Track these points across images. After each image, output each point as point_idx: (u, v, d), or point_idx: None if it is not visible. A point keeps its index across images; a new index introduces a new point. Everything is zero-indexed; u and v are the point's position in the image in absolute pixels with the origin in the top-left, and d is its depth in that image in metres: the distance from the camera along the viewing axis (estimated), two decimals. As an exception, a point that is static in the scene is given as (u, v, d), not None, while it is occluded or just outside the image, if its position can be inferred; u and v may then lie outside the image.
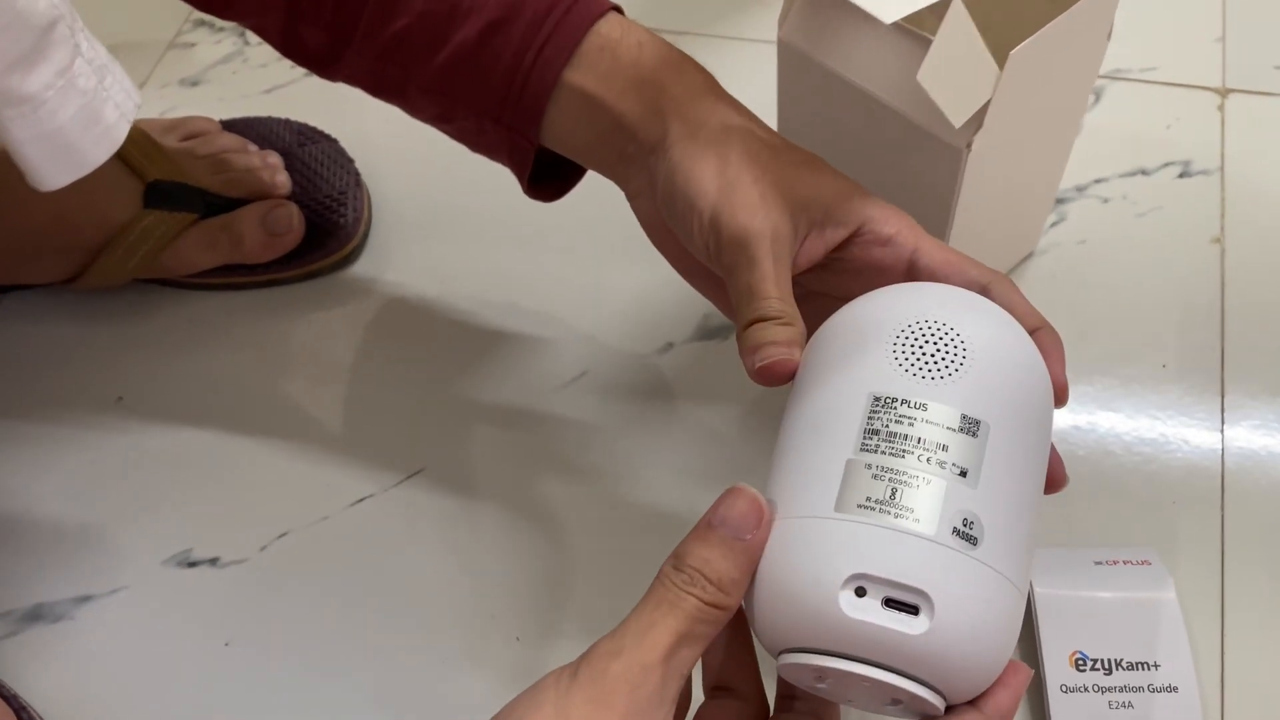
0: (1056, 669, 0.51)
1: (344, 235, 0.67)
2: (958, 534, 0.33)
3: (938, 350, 0.36)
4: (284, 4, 0.49)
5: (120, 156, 0.64)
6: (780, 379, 0.40)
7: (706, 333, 0.64)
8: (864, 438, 0.35)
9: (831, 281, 0.46)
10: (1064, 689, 0.51)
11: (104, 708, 0.54)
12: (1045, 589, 0.53)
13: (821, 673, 0.35)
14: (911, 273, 0.44)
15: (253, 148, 0.68)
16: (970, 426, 0.35)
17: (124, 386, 0.64)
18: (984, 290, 0.42)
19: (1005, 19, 0.53)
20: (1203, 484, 0.58)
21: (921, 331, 0.36)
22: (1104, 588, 0.53)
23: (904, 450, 0.34)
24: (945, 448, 0.34)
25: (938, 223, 0.53)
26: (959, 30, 0.45)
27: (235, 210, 0.66)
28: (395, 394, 0.63)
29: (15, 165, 0.46)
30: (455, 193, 0.70)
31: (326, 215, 0.68)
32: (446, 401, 0.63)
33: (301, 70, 0.77)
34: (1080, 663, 0.51)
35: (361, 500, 0.60)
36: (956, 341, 0.36)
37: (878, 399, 0.35)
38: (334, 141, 0.71)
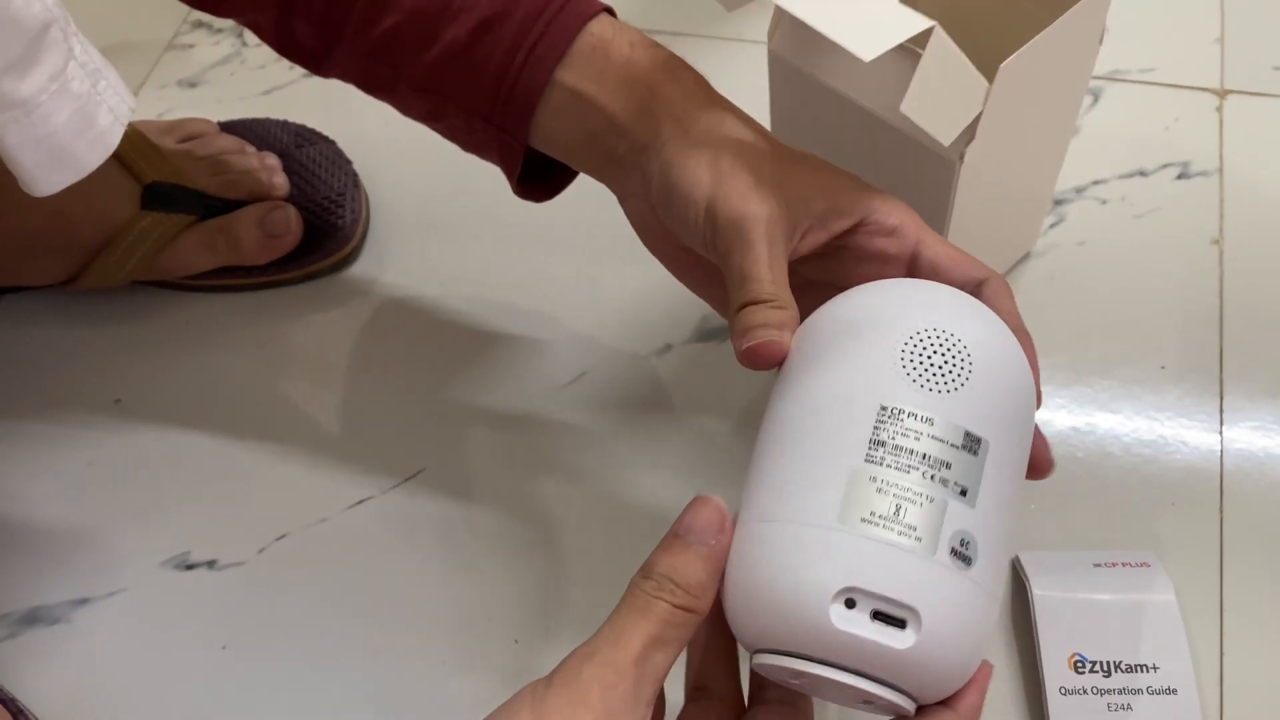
0: (1055, 671, 0.51)
1: (342, 237, 0.67)
2: (955, 554, 0.34)
3: (945, 362, 0.36)
4: (276, 1, 0.49)
5: (118, 158, 0.64)
6: (769, 363, 0.40)
7: (705, 334, 0.64)
8: (869, 448, 0.35)
9: (834, 270, 0.45)
10: (1063, 691, 0.51)
11: (102, 710, 0.54)
12: (1044, 591, 0.53)
13: (800, 675, 0.35)
14: (914, 264, 0.44)
15: (251, 149, 0.68)
16: (972, 444, 0.35)
17: (122, 388, 0.64)
18: (979, 288, 0.42)
19: (995, 23, 0.53)
20: (1201, 485, 0.58)
21: (930, 341, 0.36)
22: (1103, 590, 0.53)
23: (909, 466, 0.34)
24: (948, 465, 0.35)
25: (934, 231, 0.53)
26: (942, 57, 0.44)
27: (233, 212, 0.66)
28: (394, 396, 0.63)
29: (10, 169, 0.46)
30: (454, 194, 0.70)
31: (325, 217, 0.67)
32: (445, 403, 0.63)
33: (299, 72, 0.77)
34: (1079, 665, 0.51)
35: (360, 502, 0.60)
36: (964, 353, 0.36)
37: (884, 408, 0.35)
38: (332, 143, 0.71)
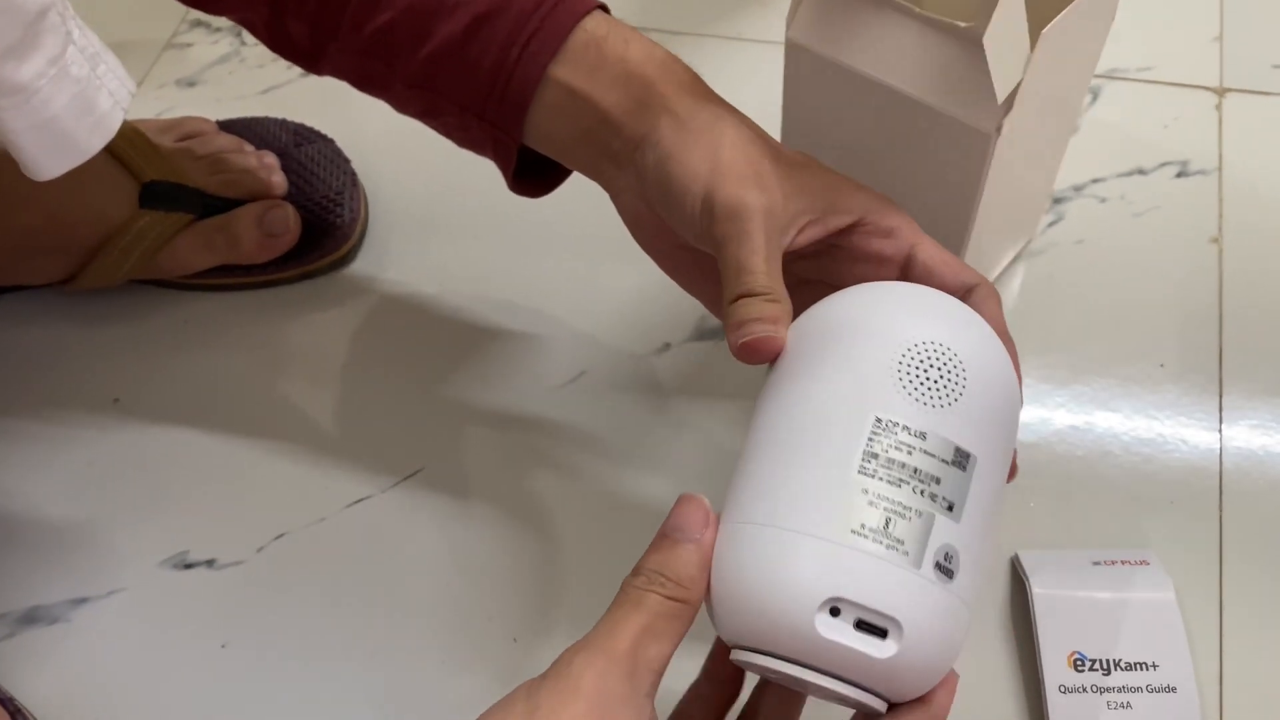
0: (1055, 669, 0.51)
1: (341, 235, 0.67)
2: (939, 568, 0.35)
3: (941, 376, 0.36)
4: None
5: (116, 157, 0.64)
6: (763, 357, 0.40)
7: (704, 333, 0.64)
8: (863, 460, 0.35)
9: (829, 269, 0.46)
10: (1062, 689, 0.51)
11: (101, 710, 0.54)
12: (1043, 589, 0.53)
13: (778, 673, 0.36)
14: (908, 267, 0.44)
15: (249, 148, 0.68)
16: (961, 460, 0.36)
17: (120, 388, 0.64)
18: (968, 293, 0.43)
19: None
20: (1201, 484, 0.58)
21: (927, 354, 0.36)
22: (1102, 588, 0.53)
23: (901, 480, 0.35)
24: (938, 480, 0.35)
25: (960, 212, 0.53)
26: (1012, 10, 0.44)
27: (232, 211, 0.66)
28: (393, 394, 0.63)
29: (9, 166, 0.46)
30: (453, 192, 0.70)
31: (323, 215, 0.67)
32: (444, 402, 0.63)
33: (298, 71, 0.77)
34: (1079, 663, 0.51)
35: (359, 501, 0.60)
36: (959, 368, 0.36)
37: (879, 420, 0.36)
38: (330, 142, 0.71)
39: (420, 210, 0.70)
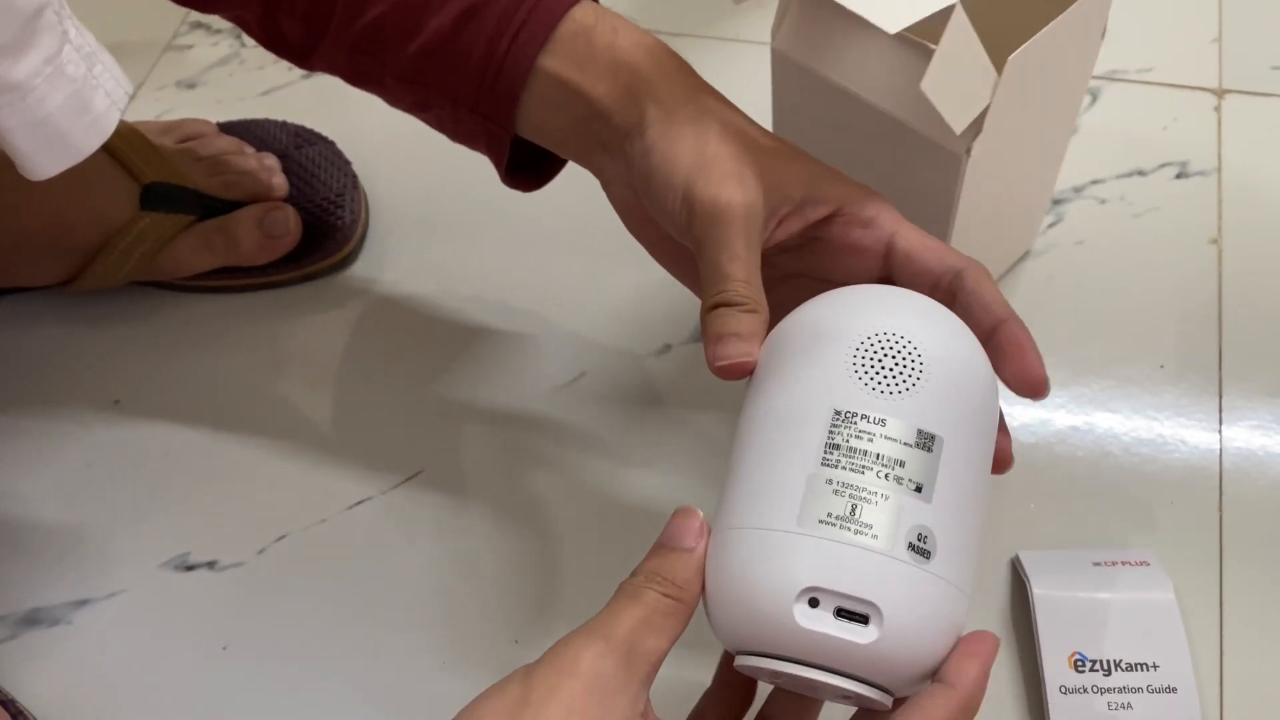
0: (1055, 670, 0.51)
1: (341, 237, 0.67)
2: (912, 549, 0.35)
3: (896, 364, 0.37)
4: None
5: (117, 158, 0.64)
6: (738, 377, 0.40)
7: (704, 334, 0.64)
8: (825, 452, 0.36)
9: (810, 262, 0.46)
10: (1063, 690, 0.51)
11: (101, 712, 0.54)
12: (1044, 590, 0.53)
13: (778, 675, 0.36)
14: (889, 256, 0.44)
15: (250, 150, 0.68)
16: (926, 441, 0.36)
17: (121, 389, 0.64)
18: (957, 277, 0.42)
19: (999, 20, 0.53)
20: (1201, 484, 0.58)
21: (880, 345, 0.37)
22: (1103, 589, 0.53)
23: (863, 466, 0.36)
24: (902, 463, 0.36)
25: (938, 228, 0.53)
26: (961, 37, 0.45)
27: (232, 212, 0.66)
28: (393, 396, 0.63)
29: (9, 168, 0.46)
30: (453, 194, 0.70)
31: (324, 217, 0.67)
32: (444, 403, 0.63)
33: (298, 72, 0.77)
34: (1079, 664, 0.51)
35: (360, 503, 0.60)
36: (914, 355, 0.37)
37: (838, 413, 0.36)
38: (331, 143, 0.71)
39: (421, 212, 0.70)
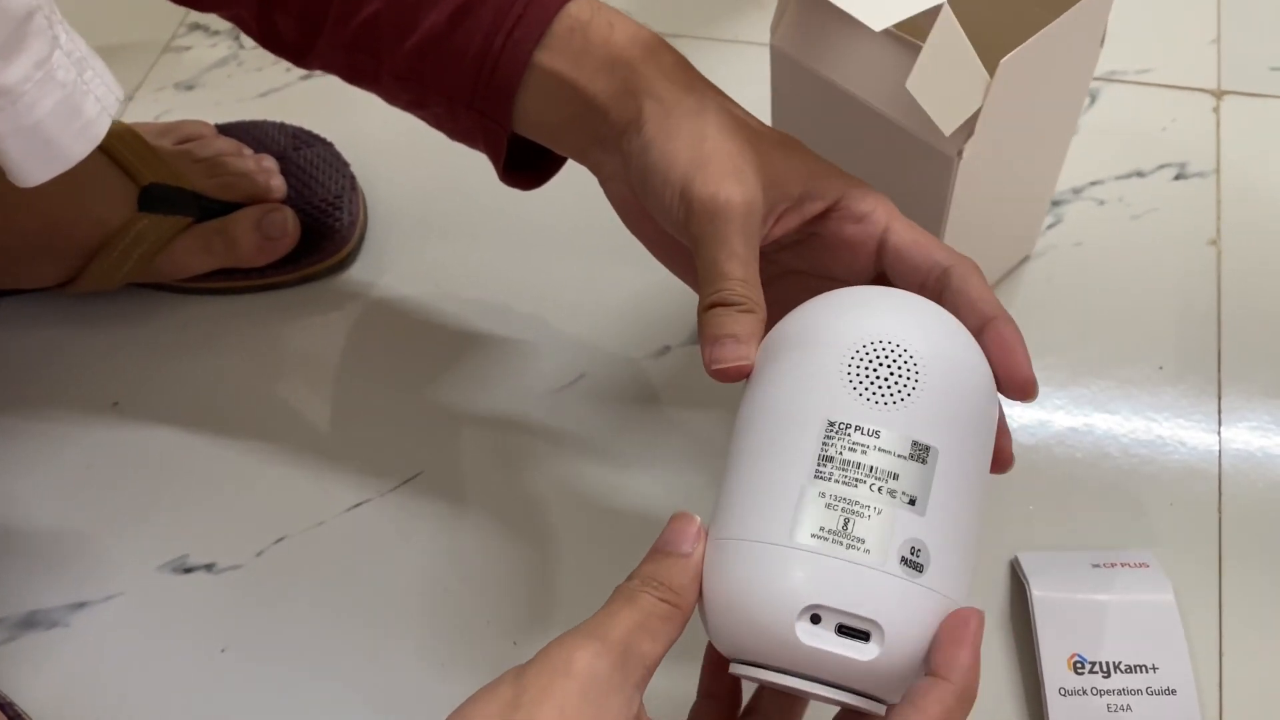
0: (1055, 672, 0.51)
1: (340, 239, 0.67)
2: (905, 563, 0.35)
3: (891, 373, 0.36)
4: None
5: (115, 160, 0.64)
6: (735, 380, 0.40)
7: (703, 336, 0.64)
8: (818, 464, 0.36)
9: (807, 258, 0.45)
10: (1062, 692, 0.51)
11: (100, 714, 0.54)
12: (1043, 592, 0.53)
13: (773, 683, 0.36)
14: (881, 252, 0.43)
15: (248, 151, 0.68)
16: (920, 453, 0.36)
17: (119, 391, 0.64)
18: (945, 274, 0.42)
19: (997, 24, 0.53)
20: (1200, 486, 0.58)
21: (875, 353, 0.37)
22: (1102, 590, 0.53)
23: (856, 479, 0.35)
24: (895, 476, 0.35)
25: (931, 229, 0.53)
26: (949, 37, 0.45)
27: (230, 214, 0.65)
28: (391, 398, 0.63)
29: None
30: (452, 195, 0.70)
31: (322, 219, 0.67)
32: (443, 406, 0.62)
33: (297, 74, 0.77)
34: (1079, 666, 0.51)
35: (358, 505, 0.60)
36: (910, 363, 0.36)
37: (832, 424, 0.36)
38: (329, 145, 0.71)
39: (419, 213, 0.70)
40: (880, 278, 0.44)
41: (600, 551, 0.57)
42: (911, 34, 0.48)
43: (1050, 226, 0.67)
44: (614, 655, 0.35)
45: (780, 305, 0.41)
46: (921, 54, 0.44)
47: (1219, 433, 0.60)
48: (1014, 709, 0.52)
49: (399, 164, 0.71)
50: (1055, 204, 0.68)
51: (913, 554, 0.35)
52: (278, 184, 0.67)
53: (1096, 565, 0.54)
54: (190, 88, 0.78)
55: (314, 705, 0.54)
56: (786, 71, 0.54)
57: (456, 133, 0.50)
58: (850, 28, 0.50)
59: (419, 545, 0.58)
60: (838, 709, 0.39)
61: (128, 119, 0.65)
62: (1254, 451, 0.59)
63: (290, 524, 0.59)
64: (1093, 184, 0.69)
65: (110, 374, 0.65)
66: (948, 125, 0.47)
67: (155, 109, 0.76)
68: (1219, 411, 0.60)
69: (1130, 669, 0.51)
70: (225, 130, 0.70)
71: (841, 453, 0.36)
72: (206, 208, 0.65)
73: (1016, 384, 0.40)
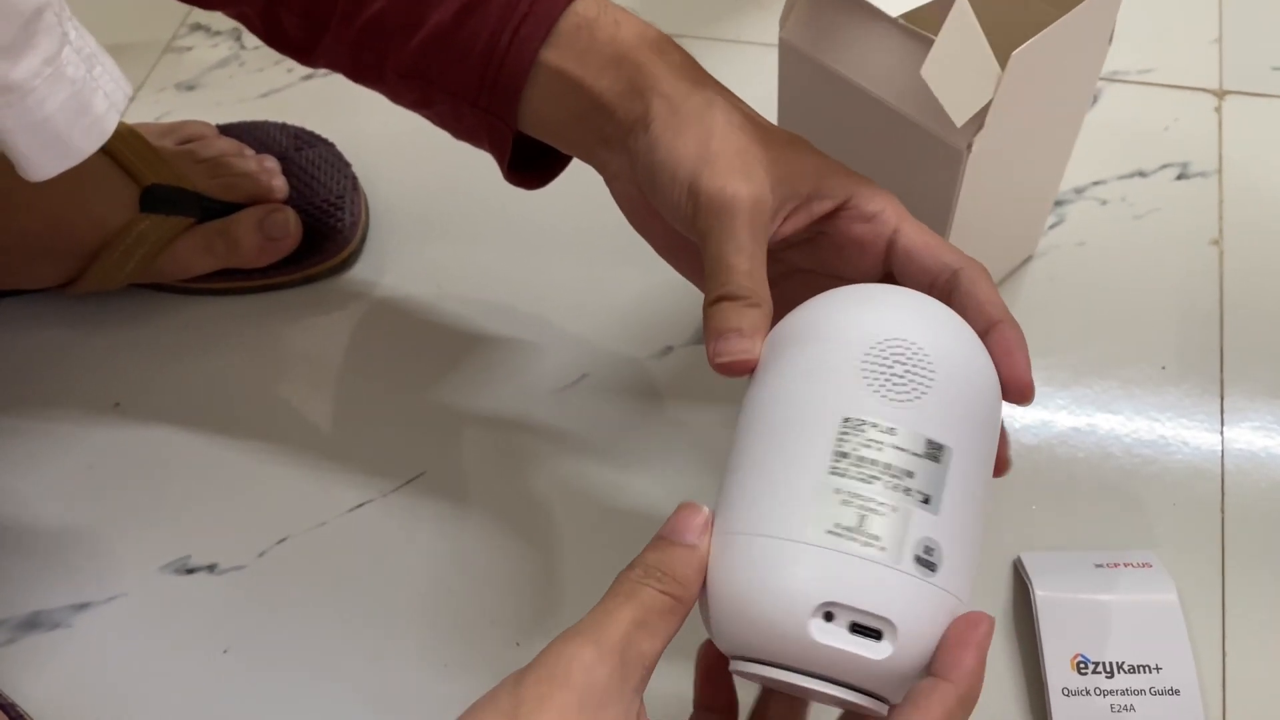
0: (1058, 672, 0.51)
1: (341, 239, 0.67)
2: (919, 561, 0.35)
3: (907, 371, 0.36)
4: None
5: (116, 160, 0.64)
6: (739, 375, 0.40)
7: (705, 336, 0.64)
8: (834, 460, 0.35)
9: (815, 257, 0.45)
10: (1066, 692, 0.51)
11: (101, 715, 0.54)
12: (1046, 592, 0.53)
13: (779, 682, 0.36)
14: (890, 252, 0.43)
15: (249, 152, 0.68)
16: (934, 452, 0.36)
17: (121, 391, 0.64)
18: (954, 276, 0.42)
19: (1007, 20, 0.53)
20: (1203, 486, 0.58)
21: (891, 351, 0.37)
22: (1105, 590, 0.53)
23: (872, 476, 0.35)
24: (910, 474, 0.35)
25: (937, 224, 0.53)
26: (962, 28, 0.45)
27: (232, 215, 0.65)
28: (394, 398, 0.63)
29: (8, 171, 0.46)
30: (454, 196, 0.70)
31: (324, 219, 0.67)
32: (445, 406, 0.62)
33: (298, 74, 0.77)
34: (1082, 666, 0.51)
35: (360, 506, 0.60)
36: (925, 361, 0.36)
37: (847, 420, 0.36)
38: (331, 145, 0.71)
39: (421, 214, 0.70)
40: (887, 278, 0.44)
41: (603, 551, 0.57)
42: (921, 28, 0.48)
43: (1053, 226, 0.67)
44: (612, 661, 0.34)
45: (787, 304, 0.41)
46: (936, 43, 0.44)
47: (1222, 433, 0.59)
48: (1017, 710, 0.52)
49: (401, 164, 0.71)
50: (1058, 204, 0.68)
51: (926, 553, 0.35)
52: (279, 184, 0.67)
53: (1099, 565, 0.54)
54: (191, 88, 0.78)
55: (316, 706, 0.54)
56: (794, 65, 0.54)
57: (461, 131, 0.50)
58: (861, 21, 0.50)
59: (421, 545, 0.58)
60: (839, 710, 0.39)
61: (129, 119, 0.65)
62: (1257, 451, 0.59)
63: (293, 524, 0.59)
64: (1095, 184, 0.69)
65: (112, 374, 0.65)
66: (960, 116, 0.47)
67: (156, 109, 0.76)
68: (1222, 411, 0.60)
69: (1133, 669, 0.51)
70: (227, 131, 0.70)
71: (857, 449, 0.35)
72: (208, 208, 0.65)
73: (1015, 388, 0.40)
